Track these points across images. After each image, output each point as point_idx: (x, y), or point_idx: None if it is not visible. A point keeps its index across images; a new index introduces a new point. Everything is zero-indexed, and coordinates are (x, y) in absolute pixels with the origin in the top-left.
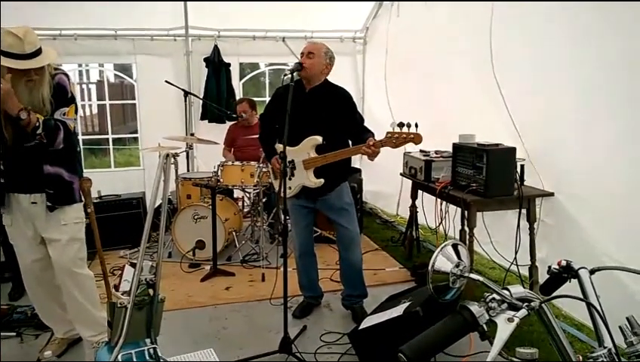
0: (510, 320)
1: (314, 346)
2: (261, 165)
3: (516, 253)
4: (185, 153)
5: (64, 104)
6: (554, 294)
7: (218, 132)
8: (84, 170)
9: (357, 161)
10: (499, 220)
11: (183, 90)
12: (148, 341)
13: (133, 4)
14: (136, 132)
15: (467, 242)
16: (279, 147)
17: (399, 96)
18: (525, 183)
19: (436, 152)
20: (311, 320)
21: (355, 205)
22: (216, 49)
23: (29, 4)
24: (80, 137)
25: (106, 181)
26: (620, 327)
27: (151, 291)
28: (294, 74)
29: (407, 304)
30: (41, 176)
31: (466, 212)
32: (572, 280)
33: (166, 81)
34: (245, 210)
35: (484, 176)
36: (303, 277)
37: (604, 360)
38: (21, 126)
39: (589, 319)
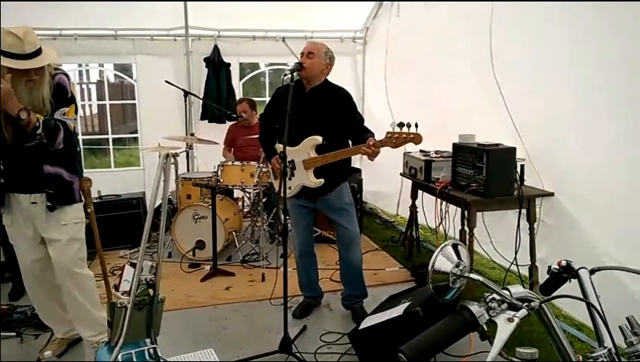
0: (510, 320)
1: (314, 346)
2: (261, 165)
3: (516, 253)
4: (185, 153)
5: (64, 104)
6: (554, 294)
7: (218, 132)
8: (84, 170)
9: (357, 160)
10: (499, 220)
11: (183, 90)
12: (148, 341)
13: (133, 4)
14: (136, 132)
15: (467, 242)
16: (279, 147)
17: (399, 96)
18: (525, 183)
19: (436, 152)
20: (311, 320)
21: (355, 205)
22: (216, 49)
23: (29, 4)
24: (80, 137)
25: (106, 181)
26: (620, 327)
27: (151, 291)
28: (294, 74)
29: (407, 304)
30: (41, 176)
31: (466, 212)
32: (572, 280)
33: (166, 81)
34: (245, 210)
35: (484, 176)
36: (302, 277)
37: (604, 360)
38: (21, 126)
39: (589, 319)
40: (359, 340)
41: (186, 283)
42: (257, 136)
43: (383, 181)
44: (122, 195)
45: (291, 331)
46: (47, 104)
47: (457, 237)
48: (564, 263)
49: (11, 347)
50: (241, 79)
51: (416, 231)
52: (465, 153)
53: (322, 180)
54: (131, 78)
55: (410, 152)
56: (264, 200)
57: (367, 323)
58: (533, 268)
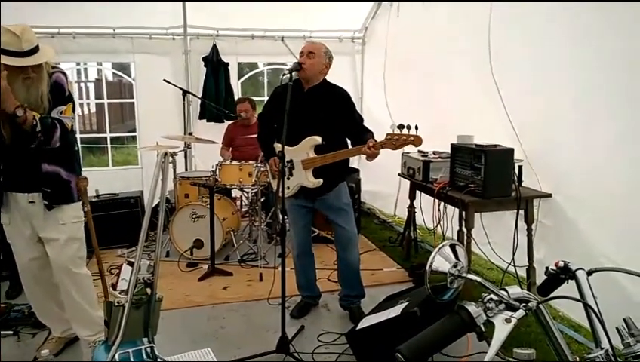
0: (508, 320)
1: (311, 346)
2: (259, 165)
3: (514, 253)
4: (183, 152)
5: (61, 103)
6: (551, 295)
7: (216, 131)
8: (82, 169)
9: (355, 161)
10: (497, 221)
11: (181, 89)
12: (145, 340)
13: (133, 3)
14: (134, 131)
15: (465, 243)
16: (278, 146)
17: (398, 96)
18: (523, 184)
19: (434, 153)
20: (308, 320)
21: (353, 205)
22: (214, 48)
23: (29, 3)
24: (78, 136)
25: (103, 180)
26: (617, 328)
27: (148, 290)
28: (293, 73)
29: (404, 304)
30: (39, 175)
31: (463, 212)
32: (569, 281)
33: (164, 80)
34: (243, 209)
35: (482, 176)
36: (300, 276)
37: (601, 360)
38: (17, 124)
39: (587, 320)
40: (357, 340)
41: (183, 283)
42: (256, 135)
43: (381, 181)
44: (120, 194)
45: (289, 331)
46: (44, 102)
47: (455, 237)
48: (561, 264)
49: (8, 346)
50: (239, 78)
51: (414, 231)
52: (463, 154)
53: (321, 180)
54: (130, 76)
55: (408, 153)
56: (262, 199)
57: (364, 323)
58: (530, 269)
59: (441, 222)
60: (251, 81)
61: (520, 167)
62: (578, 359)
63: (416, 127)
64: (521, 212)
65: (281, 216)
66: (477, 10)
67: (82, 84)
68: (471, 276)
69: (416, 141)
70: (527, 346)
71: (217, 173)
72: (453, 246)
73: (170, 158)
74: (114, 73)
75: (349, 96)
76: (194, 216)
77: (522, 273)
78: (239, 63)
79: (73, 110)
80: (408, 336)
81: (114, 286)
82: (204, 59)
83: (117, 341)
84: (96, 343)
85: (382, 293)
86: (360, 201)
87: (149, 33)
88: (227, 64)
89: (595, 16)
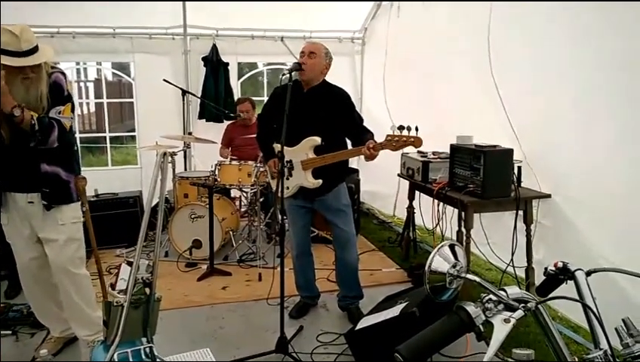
0: (506, 321)
1: (310, 346)
2: (259, 165)
3: (513, 254)
4: (182, 152)
5: (60, 102)
6: (550, 295)
7: (216, 131)
8: (81, 168)
9: (355, 161)
10: (496, 221)
11: (181, 88)
12: (144, 340)
13: (133, 3)
14: (133, 130)
15: (464, 243)
16: (277, 147)
17: (398, 96)
18: (522, 185)
19: (434, 153)
20: (307, 320)
21: (352, 205)
22: (214, 48)
23: (28, 3)
24: (77, 135)
25: (103, 179)
26: (616, 329)
27: (147, 290)
28: (292, 73)
29: (403, 304)
30: (39, 175)
31: (463, 213)
32: (568, 281)
33: (164, 80)
34: (242, 209)
35: (482, 177)
36: (299, 277)
37: (600, 361)
38: (15, 123)
39: (586, 321)
40: (356, 340)
41: (182, 283)
42: (255, 135)
43: (380, 181)
44: (119, 194)
45: (288, 331)
46: (44, 102)
47: (454, 238)
48: (560, 265)
49: (7, 345)
50: (239, 78)
51: (413, 231)
52: (462, 154)
53: (320, 181)
54: (129, 76)
55: (407, 153)
56: (261, 199)
57: (363, 323)
58: (529, 270)
59: (440, 223)
60: (251, 81)
61: (519, 168)
62: (577, 359)
63: (417, 128)
64: (520, 212)
65: (280, 216)
66: (477, 10)
67: (82, 84)
68: (470, 276)
69: (417, 142)
70: (526, 346)
71: (216, 173)
72: (452, 247)
73: (170, 158)
74: (113, 73)
75: (348, 97)
76: (193, 216)
77: (521, 273)
78: (239, 63)
79: (72, 110)
80: (407, 337)
81: (113, 286)
82: (203, 59)
83: (116, 341)
84: (95, 343)
85: (381, 293)
86: (359, 201)
87: (149, 33)
88: (227, 64)
89: (595, 16)
